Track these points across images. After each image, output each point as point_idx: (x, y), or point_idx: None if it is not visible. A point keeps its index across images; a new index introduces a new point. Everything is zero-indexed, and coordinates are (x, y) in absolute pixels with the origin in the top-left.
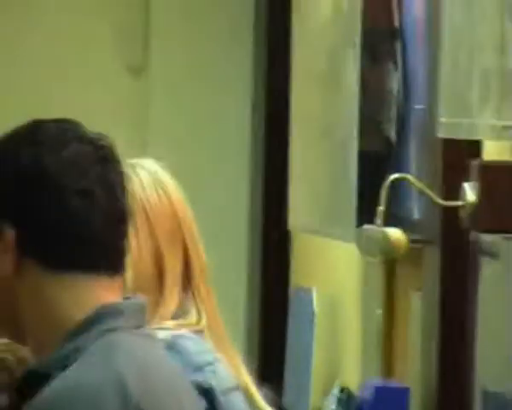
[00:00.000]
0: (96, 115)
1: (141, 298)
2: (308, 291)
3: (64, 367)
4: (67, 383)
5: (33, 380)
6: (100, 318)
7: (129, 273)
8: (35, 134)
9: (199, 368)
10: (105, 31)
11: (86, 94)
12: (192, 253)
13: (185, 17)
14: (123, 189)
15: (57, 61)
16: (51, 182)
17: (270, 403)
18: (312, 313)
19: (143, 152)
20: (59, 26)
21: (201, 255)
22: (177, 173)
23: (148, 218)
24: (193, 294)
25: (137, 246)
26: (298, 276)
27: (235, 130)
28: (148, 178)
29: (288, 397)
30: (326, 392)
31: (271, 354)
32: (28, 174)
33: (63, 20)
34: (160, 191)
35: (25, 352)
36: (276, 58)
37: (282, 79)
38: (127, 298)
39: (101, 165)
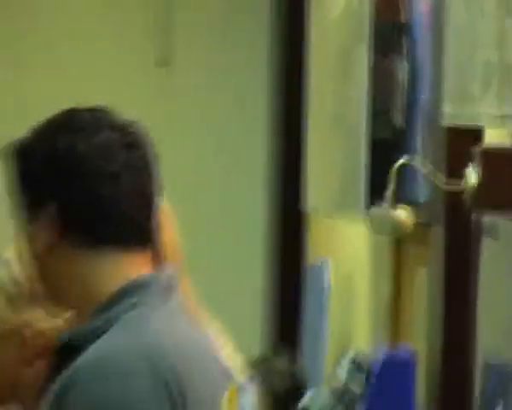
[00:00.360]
0: (127, 104)
1: (170, 271)
2: (322, 267)
3: (96, 338)
4: (100, 354)
5: (66, 351)
6: (131, 291)
7: None
8: (71, 122)
9: None
10: (136, 29)
11: (118, 84)
12: (161, 239)
13: (206, 15)
14: (148, 171)
15: (93, 56)
16: (83, 167)
17: (289, 369)
18: (326, 287)
19: (168, 135)
20: (97, 26)
21: (173, 240)
22: (199, 156)
23: None
24: None
25: None
26: (314, 253)
27: (254, 117)
28: None
29: (305, 363)
30: (339, 359)
31: (289, 324)
32: (63, 160)
33: (101, 21)
34: None
35: (43, 324)
36: (294, 51)
37: (299, 72)
38: (157, 272)
39: (127, 150)
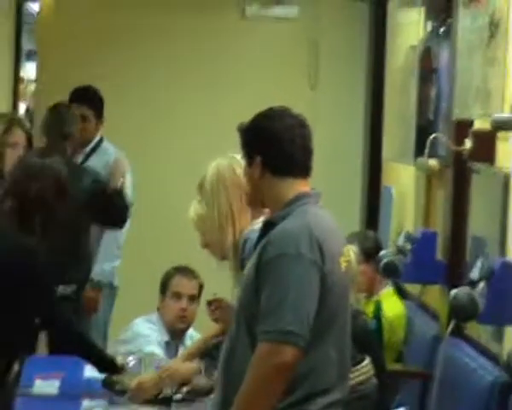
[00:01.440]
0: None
1: (318, 190)
2: (390, 188)
3: (281, 221)
4: (283, 228)
5: (268, 225)
6: (299, 198)
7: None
8: (269, 113)
9: None
10: (294, 62)
11: (285, 102)
12: None
13: (339, 54)
14: (310, 139)
15: (269, 83)
16: (275, 137)
17: (373, 238)
18: (392, 198)
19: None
20: (264, 60)
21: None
22: (335, 129)
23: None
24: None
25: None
26: (386, 181)
27: (358, 109)
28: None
29: (381, 236)
30: (398, 234)
31: (373, 216)
32: (264, 133)
33: (275, 61)
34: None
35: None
36: (379, 76)
37: (381, 87)
38: (313, 189)
39: (299, 128)
